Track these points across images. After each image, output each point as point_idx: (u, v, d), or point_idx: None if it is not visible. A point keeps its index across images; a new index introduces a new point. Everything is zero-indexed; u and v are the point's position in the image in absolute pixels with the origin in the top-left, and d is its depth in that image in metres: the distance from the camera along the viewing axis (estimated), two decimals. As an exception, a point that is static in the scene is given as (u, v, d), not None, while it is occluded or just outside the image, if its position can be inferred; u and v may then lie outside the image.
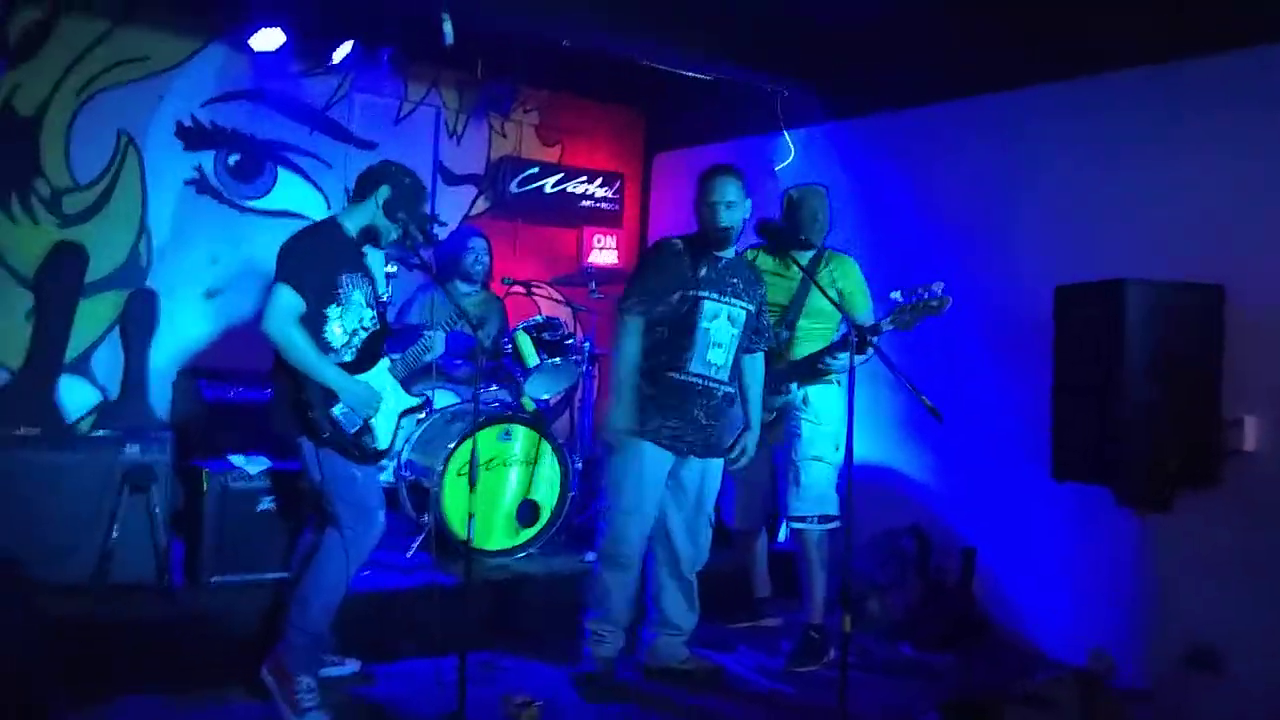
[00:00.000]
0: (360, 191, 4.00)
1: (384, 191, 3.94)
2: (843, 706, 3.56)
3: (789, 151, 6.18)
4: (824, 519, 4.66)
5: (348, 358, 3.89)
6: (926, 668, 4.77)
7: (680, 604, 4.42)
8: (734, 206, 4.20)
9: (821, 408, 4.68)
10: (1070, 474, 4.26)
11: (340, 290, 3.84)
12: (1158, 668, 4.37)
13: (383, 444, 3.95)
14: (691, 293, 4.20)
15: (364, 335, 3.95)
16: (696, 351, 4.19)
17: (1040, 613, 4.91)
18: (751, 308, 4.31)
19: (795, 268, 4.58)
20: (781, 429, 4.74)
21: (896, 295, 4.10)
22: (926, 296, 4.03)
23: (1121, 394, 4.01)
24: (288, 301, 3.70)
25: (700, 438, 4.25)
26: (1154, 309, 4.04)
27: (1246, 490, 4.14)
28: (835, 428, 4.64)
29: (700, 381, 4.21)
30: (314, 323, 3.78)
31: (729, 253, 4.30)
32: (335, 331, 3.85)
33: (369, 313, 3.98)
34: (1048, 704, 4.06)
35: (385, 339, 4.05)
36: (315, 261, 3.80)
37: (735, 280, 4.29)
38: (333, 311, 3.83)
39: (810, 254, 4.76)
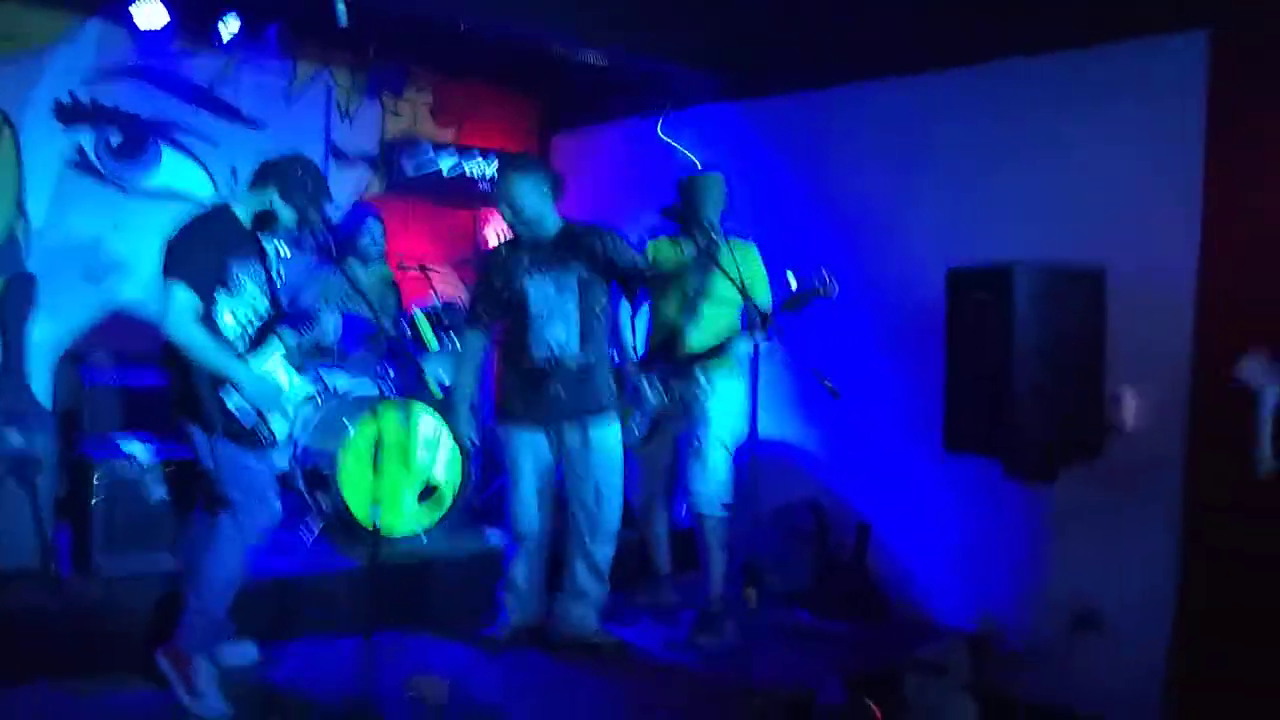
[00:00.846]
0: (260, 181, 3.89)
1: (285, 187, 3.85)
2: (749, 677, 3.64)
3: (685, 132, 6.21)
4: (723, 505, 4.74)
5: (241, 346, 3.81)
6: (824, 637, 4.89)
7: (584, 573, 4.51)
8: (516, 211, 4.29)
9: (724, 393, 4.73)
10: (961, 446, 4.40)
11: (231, 277, 3.75)
12: (1044, 630, 4.55)
13: (280, 432, 3.89)
14: (515, 284, 4.33)
15: (258, 323, 3.87)
16: (534, 335, 4.33)
17: (932, 582, 5.08)
18: (590, 267, 4.35)
19: (696, 254, 4.63)
20: (685, 413, 4.76)
21: (790, 276, 4.22)
22: (815, 282, 4.20)
23: (1011, 374, 4.14)
24: (184, 301, 3.62)
25: (566, 408, 4.36)
26: (1041, 291, 4.17)
27: (1125, 462, 4.33)
28: (737, 412, 4.70)
29: (546, 362, 4.32)
30: (206, 313, 3.69)
31: (550, 228, 4.35)
32: (227, 320, 3.76)
33: (264, 299, 3.90)
34: (941, 669, 4.22)
35: (280, 323, 3.97)
36: (203, 252, 3.70)
37: (563, 250, 4.36)
38: (223, 298, 3.74)
39: (711, 240, 4.78)
